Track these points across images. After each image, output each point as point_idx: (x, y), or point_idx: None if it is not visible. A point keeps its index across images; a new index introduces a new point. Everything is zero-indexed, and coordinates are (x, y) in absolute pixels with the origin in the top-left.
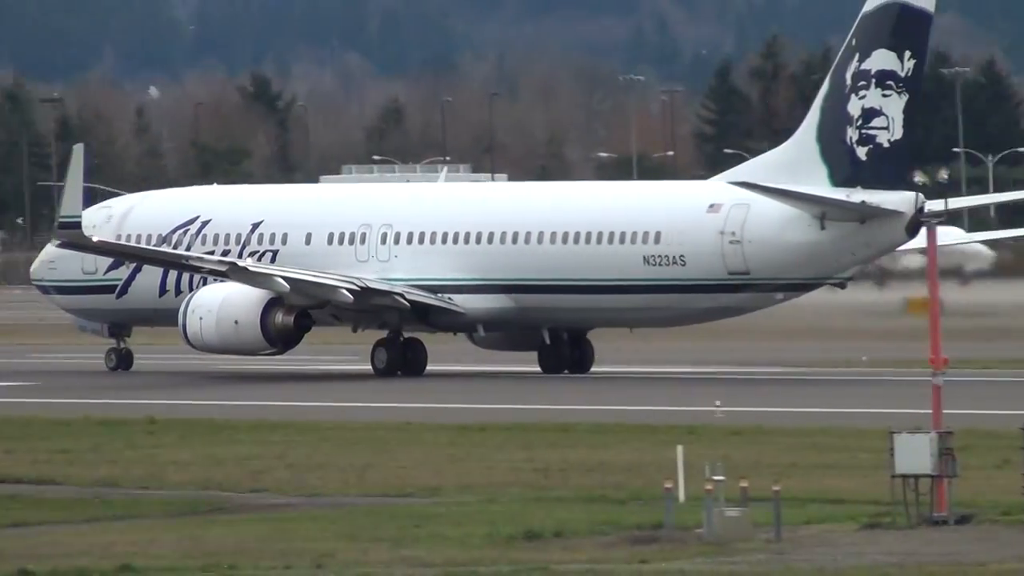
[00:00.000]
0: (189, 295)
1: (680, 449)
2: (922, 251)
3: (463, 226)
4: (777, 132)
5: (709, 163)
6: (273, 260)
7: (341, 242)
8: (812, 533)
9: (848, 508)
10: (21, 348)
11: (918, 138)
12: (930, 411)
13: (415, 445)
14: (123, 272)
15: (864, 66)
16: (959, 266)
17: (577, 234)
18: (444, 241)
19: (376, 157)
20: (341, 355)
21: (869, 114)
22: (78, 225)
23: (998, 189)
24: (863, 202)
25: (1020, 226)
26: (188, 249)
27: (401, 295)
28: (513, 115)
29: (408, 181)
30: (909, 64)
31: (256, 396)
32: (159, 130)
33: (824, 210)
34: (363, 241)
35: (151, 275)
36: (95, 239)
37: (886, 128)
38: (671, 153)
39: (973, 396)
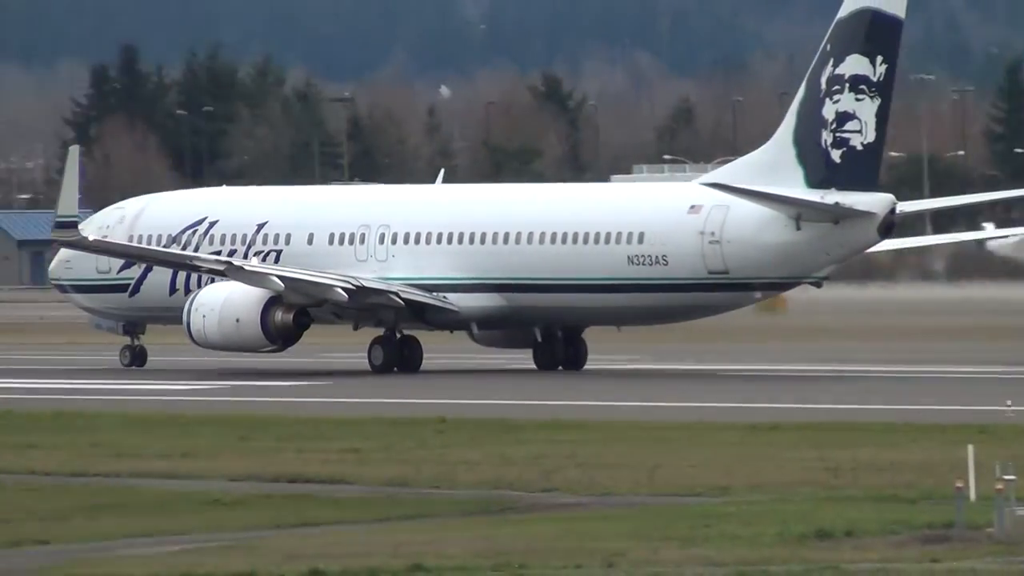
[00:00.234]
0: (193, 294)
1: (971, 449)
2: None
3: (457, 227)
4: None
5: (999, 162)
6: (277, 260)
7: (342, 242)
8: None
9: None
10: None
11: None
12: None
13: (705, 444)
14: (135, 271)
15: (838, 71)
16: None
17: (565, 235)
18: (439, 241)
19: (667, 157)
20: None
21: (843, 117)
22: (74, 225)
23: None
24: (836, 203)
25: None
26: (196, 249)
27: (396, 294)
28: None
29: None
30: (881, 69)
31: (545, 395)
32: (450, 130)
33: (799, 211)
34: (362, 241)
35: (162, 274)
36: (92, 238)
37: (859, 131)
38: (961, 153)
39: None
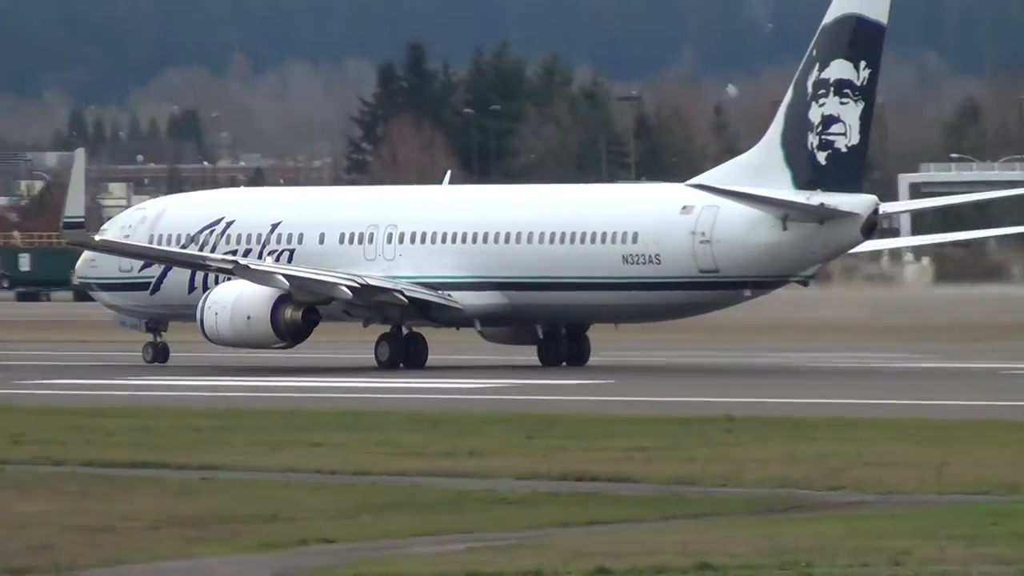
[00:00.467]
0: (206, 292)
1: None
2: None
3: (460, 226)
4: None
5: None
6: (291, 259)
7: (351, 241)
8: None
9: None
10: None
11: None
12: None
13: (994, 442)
14: (156, 270)
15: (823, 75)
16: None
17: (563, 234)
18: (444, 240)
19: (953, 155)
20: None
21: (828, 121)
22: (81, 225)
23: None
24: (822, 204)
25: None
26: (214, 248)
27: (400, 292)
28: None
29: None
30: (864, 73)
31: (834, 394)
32: (736, 128)
33: (786, 212)
34: (371, 240)
35: (181, 273)
36: (100, 238)
37: (844, 134)
38: None
39: None
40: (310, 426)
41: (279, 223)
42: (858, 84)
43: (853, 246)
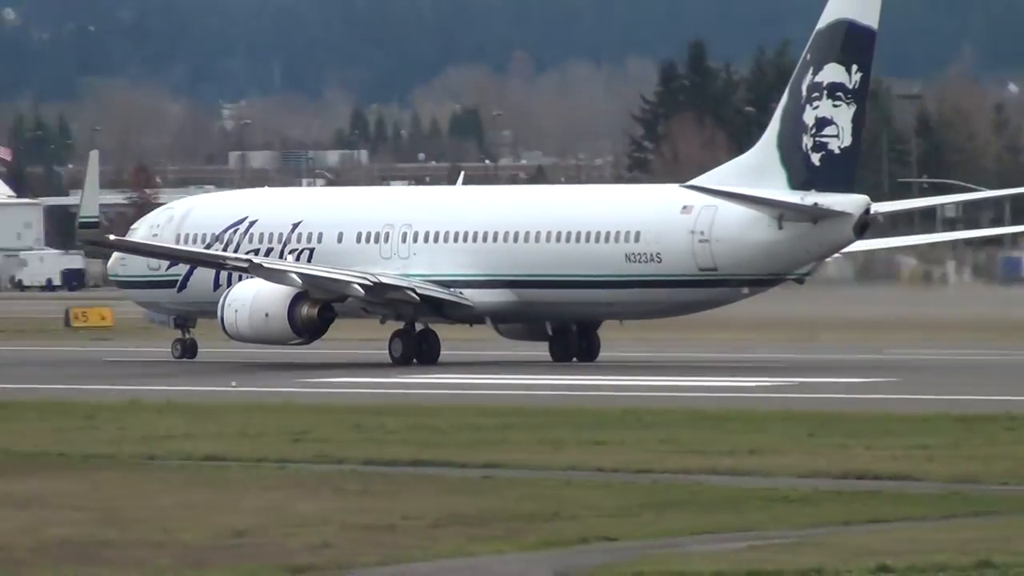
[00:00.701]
0: (226, 290)
1: None
2: None
3: (472, 226)
4: None
5: None
6: (311, 258)
7: (368, 240)
8: None
9: None
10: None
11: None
12: None
13: None
14: (182, 268)
15: (817, 79)
16: None
17: (569, 233)
18: (456, 240)
19: None
20: None
21: (822, 123)
22: (96, 225)
23: None
24: (815, 204)
25: None
26: (238, 247)
27: (412, 289)
28: None
29: None
30: (856, 77)
31: None
32: (1017, 125)
33: (781, 212)
34: (386, 240)
35: (206, 271)
36: (112, 237)
37: (836, 136)
38: None
39: None
40: (592, 424)
41: (299, 223)
42: (850, 87)
43: (846, 245)
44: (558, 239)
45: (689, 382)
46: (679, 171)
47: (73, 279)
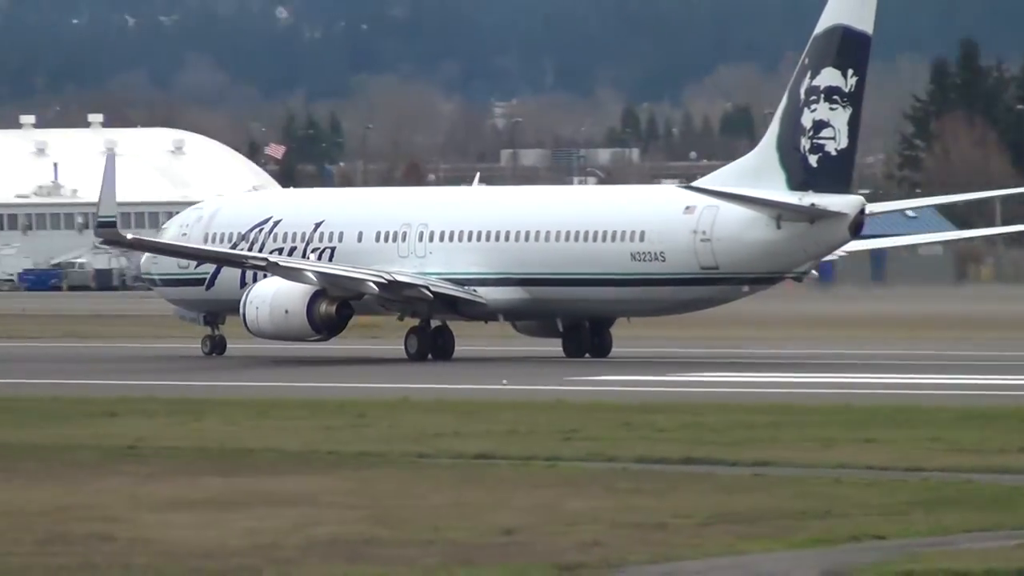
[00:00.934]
0: (248, 288)
1: None
2: None
3: (485, 225)
4: None
5: None
6: (332, 256)
7: (386, 240)
8: None
9: None
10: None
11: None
12: None
13: None
14: (210, 267)
15: (815, 83)
16: None
17: (578, 233)
18: (470, 239)
19: None
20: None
21: (819, 125)
22: (113, 224)
23: None
24: (812, 205)
25: None
26: (263, 246)
27: (426, 287)
28: None
29: None
30: (852, 81)
31: None
32: None
33: (779, 212)
34: (404, 239)
35: (233, 269)
36: (130, 236)
37: (833, 138)
38: None
39: None
40: (863, 422)
41: (322, 222)
42: (846, 91)
43: (842, 244)
44: (566, 239)
45: (956, 381)
46: (950, 170)
47: None
